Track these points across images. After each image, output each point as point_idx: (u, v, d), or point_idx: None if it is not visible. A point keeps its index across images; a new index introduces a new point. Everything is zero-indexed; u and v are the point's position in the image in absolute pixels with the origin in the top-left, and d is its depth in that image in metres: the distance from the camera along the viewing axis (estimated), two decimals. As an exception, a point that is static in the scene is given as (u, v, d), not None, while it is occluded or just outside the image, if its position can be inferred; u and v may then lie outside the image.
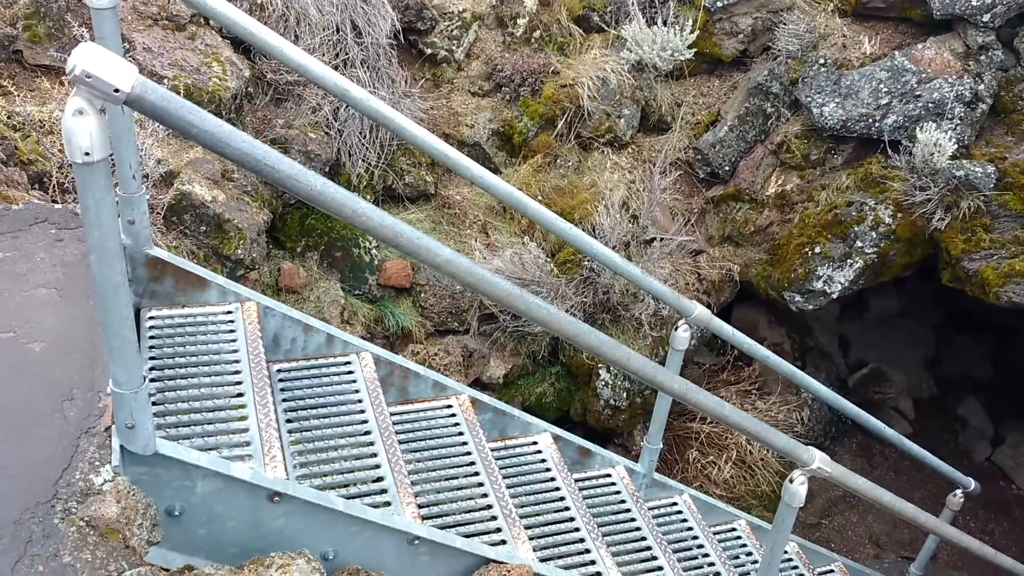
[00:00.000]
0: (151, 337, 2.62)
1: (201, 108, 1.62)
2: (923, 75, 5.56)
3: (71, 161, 1.58)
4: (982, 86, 5.46)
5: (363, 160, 5.40)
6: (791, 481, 2.70)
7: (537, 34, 6.35)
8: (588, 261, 5.53)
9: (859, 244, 5.54)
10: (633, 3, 6.07)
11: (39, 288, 2.34)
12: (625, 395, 5.78)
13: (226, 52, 4.72)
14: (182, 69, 4.41)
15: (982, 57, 5.52)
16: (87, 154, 1.55)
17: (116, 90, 1.51)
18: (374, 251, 5.35)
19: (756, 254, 6.02)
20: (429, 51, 6.10)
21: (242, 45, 4.84)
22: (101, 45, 2.36)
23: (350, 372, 3.01)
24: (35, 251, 2.48)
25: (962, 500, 4.76)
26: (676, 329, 3.60)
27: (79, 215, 2.66)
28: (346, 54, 5.24)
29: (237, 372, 2.59)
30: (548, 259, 5.79)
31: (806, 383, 4.09)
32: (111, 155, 1.66)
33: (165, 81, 4.25)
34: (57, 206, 2.65)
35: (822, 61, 5.82)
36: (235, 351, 2.66)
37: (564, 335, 2.19)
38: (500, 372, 5.68)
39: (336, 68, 5.17)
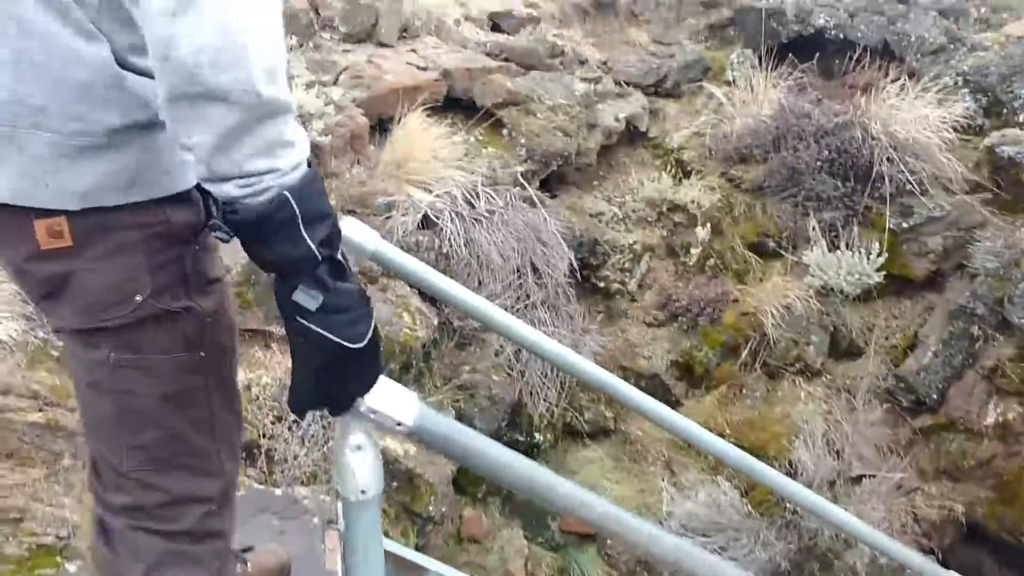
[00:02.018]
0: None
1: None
2: None
3: (343, 497, 1.44)
4: None
5: (544, 399, 5.27)
6: None
7: (711, 262, 6.26)
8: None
9: (1108, 481, 4.86)
10: (815, 228, 5.92)
11: (265, 592, 2.19)
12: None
13: (415, 302, 4.79)
14: (377, 323, 4.48)
15: None
16: (363, 492, 1.42)
17: (399, 423, 1.39)
18: (558, 496, 5.09)
19: (980, 491, 5.37)
20: (602, 284, 6.09)
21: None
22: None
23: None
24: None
25: None
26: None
27: (298, 502, 2.57)
28: (527, 296, 5.25)
29: None
30: (742, 498, 5.36)
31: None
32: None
33: (360, 335, 4.31)
34: (278, 492, 2.57)
35: (1029, 278, 5.40)
36: (457, 651, 2.41)
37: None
38: (698, 629, 5.13)
39: (517, 311, 5.18)
